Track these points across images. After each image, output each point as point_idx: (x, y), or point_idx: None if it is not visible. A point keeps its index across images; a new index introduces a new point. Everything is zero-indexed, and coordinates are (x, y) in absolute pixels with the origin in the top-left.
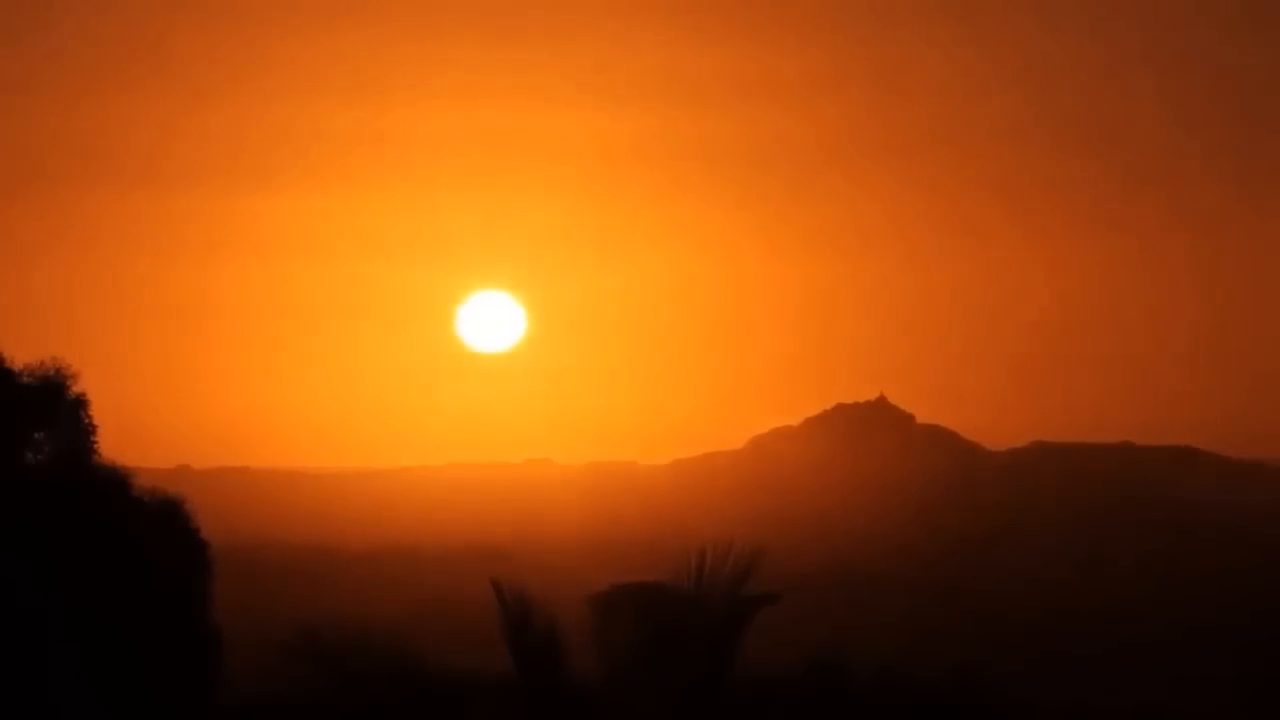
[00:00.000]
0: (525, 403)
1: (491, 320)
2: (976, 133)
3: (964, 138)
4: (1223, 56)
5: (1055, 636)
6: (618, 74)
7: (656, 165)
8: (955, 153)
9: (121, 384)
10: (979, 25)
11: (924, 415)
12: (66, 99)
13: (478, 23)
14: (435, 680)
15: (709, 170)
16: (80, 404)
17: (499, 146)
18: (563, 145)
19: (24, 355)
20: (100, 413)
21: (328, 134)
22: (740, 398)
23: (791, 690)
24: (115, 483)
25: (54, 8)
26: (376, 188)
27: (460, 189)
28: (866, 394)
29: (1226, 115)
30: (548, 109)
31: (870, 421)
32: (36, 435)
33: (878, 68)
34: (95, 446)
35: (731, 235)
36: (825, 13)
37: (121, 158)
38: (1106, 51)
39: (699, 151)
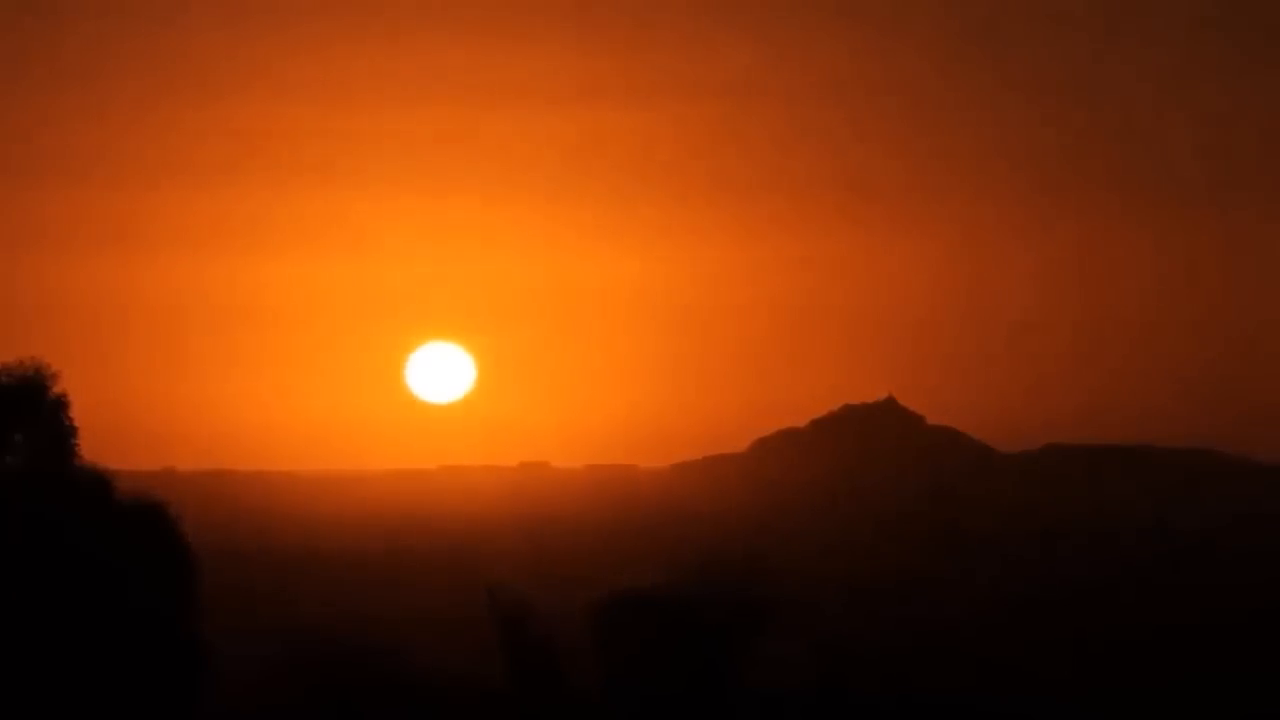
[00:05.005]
0: (525, 402)
1: (451, 359)
2: (986, 130)
3: (973, 136)
4: (1226, 53)
5: (1069, 643)
6: (560, 79)
7: (650, 165)
8: (964, 151)
9: (104, 384)
10: (987, 26)
11: (934, 416)
12: (53, 98)
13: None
14: (428, 688)
15: (708, 167)
16: (61, 405)
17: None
18: (548, 138)
19: (3, 355)
20: (82, 414)
21: (318, 134)
22: (744, 398)
23: (797, 699)
24: (97, 486)
25: (49, 7)
26: (371, 184)
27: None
28: (874, 394)
29: (1239, 111)
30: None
31: (878, 423)
32: (16, 437)
33: (885, 65)
34: (76, 448)
35: (734, 233)
36: (815, 9)
37: (102, 157)
38: (1115, 52)
39: (698, 149)
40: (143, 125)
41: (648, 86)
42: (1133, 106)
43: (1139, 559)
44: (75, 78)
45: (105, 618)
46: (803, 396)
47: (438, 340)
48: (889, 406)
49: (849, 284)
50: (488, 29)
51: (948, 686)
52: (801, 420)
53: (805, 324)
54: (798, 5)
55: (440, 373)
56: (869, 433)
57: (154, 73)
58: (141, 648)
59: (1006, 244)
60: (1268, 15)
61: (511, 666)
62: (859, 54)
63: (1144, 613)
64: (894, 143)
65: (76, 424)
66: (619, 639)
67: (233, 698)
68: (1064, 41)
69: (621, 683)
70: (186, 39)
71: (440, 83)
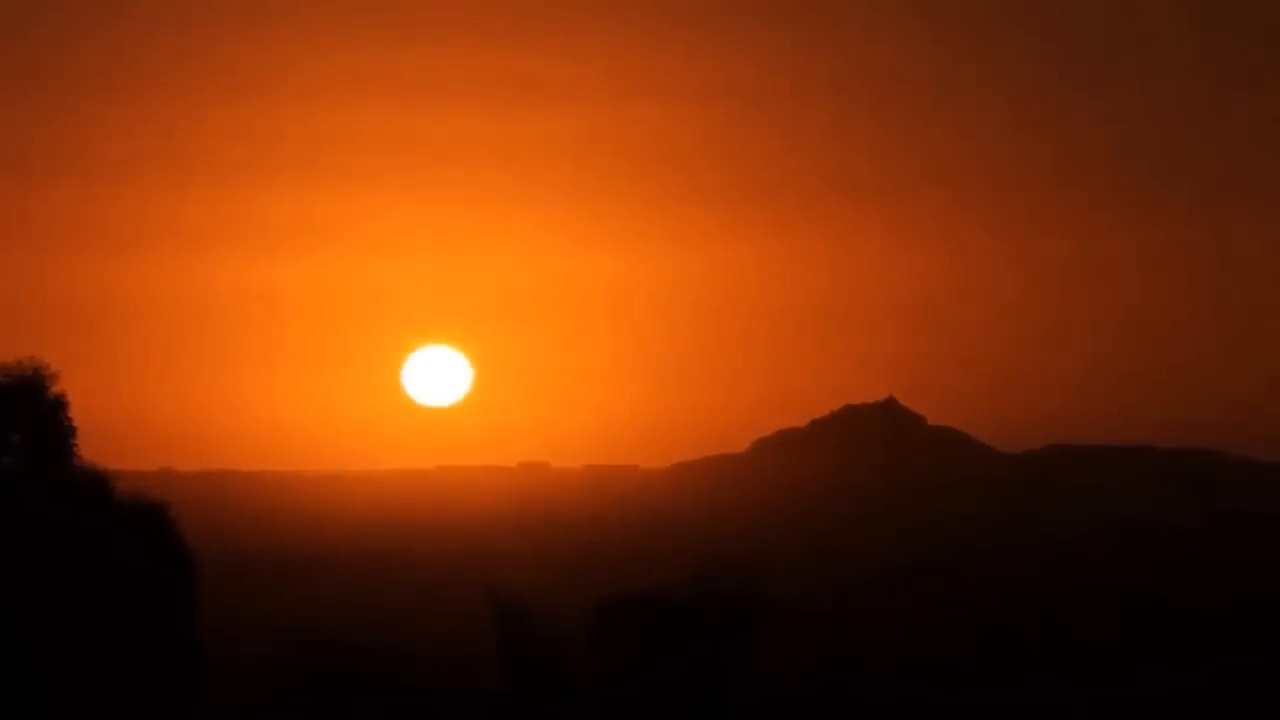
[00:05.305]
0: (523, 403)
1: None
2: (985, 130)
3: (973, 136)
4: (1220, 47)
5: (1069, 642)
6: (558, 80)
7: (647, 166)
8: (965, 151)
9: (104, 384)
10: (991, 24)
11: (935, 417)
12: (53, 98)
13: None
14: (427, 688)
15: (705, 167)
16: (59, 405)
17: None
18: (555, 132)
19: (3, 355)
20: (81, 414)
21: (316, 136)
22: (744, 398)
23: (797, 699)
24: (96, 486)
25: (52, 7)
26: (369, 186)
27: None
28: (875, 395)
29: (1239, 108)
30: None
31: (879, 423)
32: (14, 437)
33: (888, 63)
34: (75, 448)
35: (733, 232)
36: (817, 9)
37: (103, 157)
38: (1117, 51)
39: (695, 150)
40: (143, 125)
41: (649, 87)
42: (1132, 105)
43: (1139, 559)
44: (76, 77)
45: (105, 618)
46: (803, 396)
47: (434, 344)
48: (889, 406)
49: (849, 284)
50: (486, 31)
51: (947, 686)
52: (801, 420)
53: (805, 324)
54: (800, 5)
55: (437, 376)
56: (869, 433)
57: (154, 73)
58: (141, 648)
59: (1007, 244)
60: (1259, 13)
61: (511, 666)
62: (862, 54)
63: (1144, 612)
64: (895, 142)
65: (76, 424)
66: (619, 639)
67: (233, 698)
68: (1067, 41)
69: (621, 683)
70: (186, 39)
71: (437, 85)
